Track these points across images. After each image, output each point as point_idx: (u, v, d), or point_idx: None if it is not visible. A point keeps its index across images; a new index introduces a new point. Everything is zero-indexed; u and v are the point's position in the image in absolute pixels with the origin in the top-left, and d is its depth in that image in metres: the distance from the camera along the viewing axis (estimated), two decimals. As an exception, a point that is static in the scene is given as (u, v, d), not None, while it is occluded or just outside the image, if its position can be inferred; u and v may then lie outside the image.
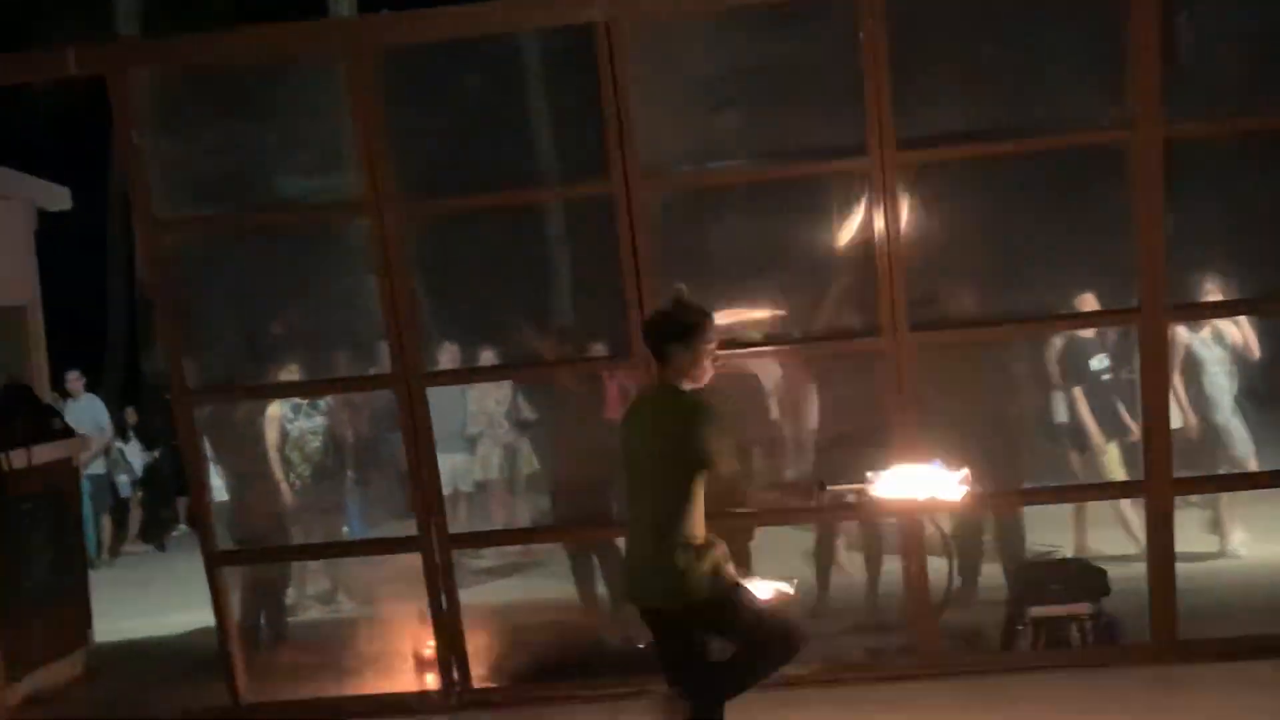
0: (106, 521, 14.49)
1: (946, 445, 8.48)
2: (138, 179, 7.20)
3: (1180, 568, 7.14)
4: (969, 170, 7.28)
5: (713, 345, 5.17)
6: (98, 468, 14.17)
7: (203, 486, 7.69)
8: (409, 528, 7.59)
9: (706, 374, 5.16)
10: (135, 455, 15.26)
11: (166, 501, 15.50)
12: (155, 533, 15.38)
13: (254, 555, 8.55)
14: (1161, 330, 6.92)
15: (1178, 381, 8.98)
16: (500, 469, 11.58)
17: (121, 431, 15.22)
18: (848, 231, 7.41)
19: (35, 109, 18.42)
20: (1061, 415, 9.43)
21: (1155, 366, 6.99)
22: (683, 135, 7.23)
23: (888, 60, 6.59)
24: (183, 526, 15.37)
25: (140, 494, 15.25)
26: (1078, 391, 9.19)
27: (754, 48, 7.12)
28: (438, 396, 7.74)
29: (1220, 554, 9.14)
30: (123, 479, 15.03)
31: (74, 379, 14.16)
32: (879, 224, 6.81)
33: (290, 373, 9.03)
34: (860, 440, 7.46)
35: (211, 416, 8.56)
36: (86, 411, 13.82)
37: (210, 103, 7.67)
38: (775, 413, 8.75)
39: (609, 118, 6.75)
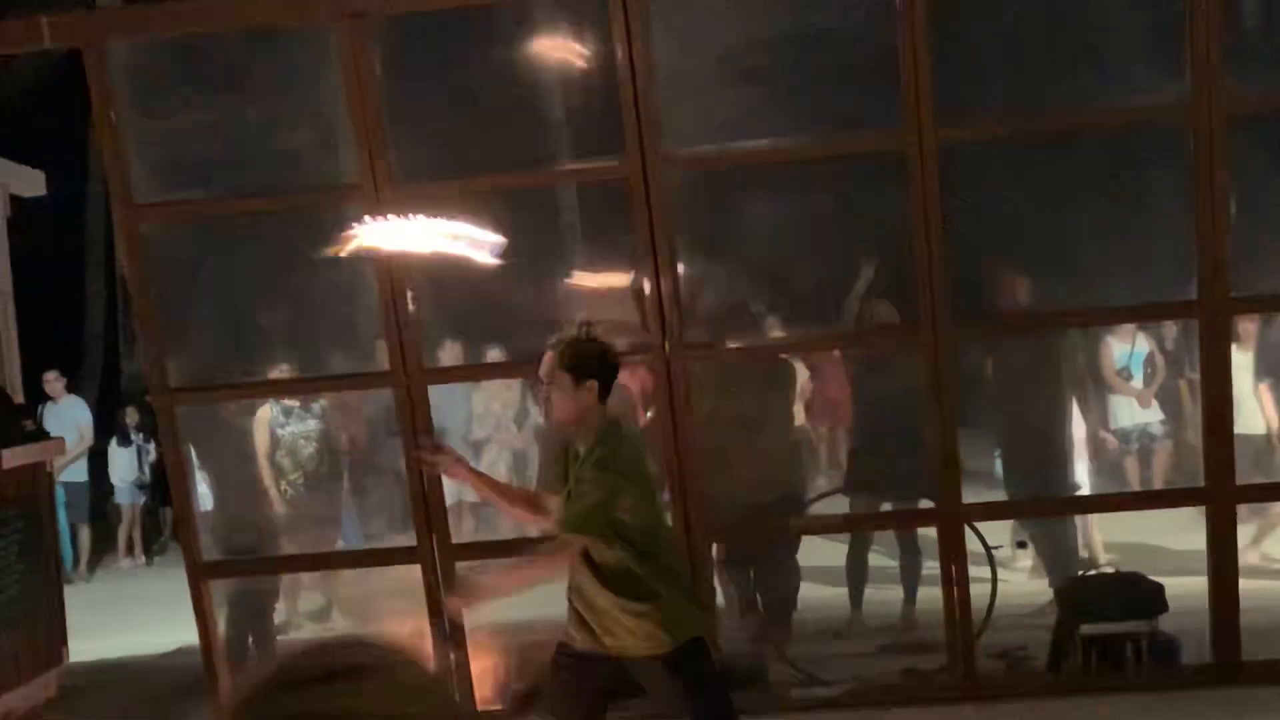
0: (86, 533, 14.47)
1: (987, 449, 8.66)
2: (116, 160, 7.17)
3: (1244, 584, 7.08)
4: (1014, 150, 7.22)
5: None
6: (76, 475, 14.16)
7: (187, 492, 7.66)
8: (408, 540, 7.56)
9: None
10: (130, 459, 15.12)
11: (151, 511, 15.48)
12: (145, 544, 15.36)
13: (242, 566, 8.51)
14: (1224, 324, 6.86)
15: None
16: (508, 476, 11.52)
17: (123, 435, 15.14)
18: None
19: (9, 87, 18.46)
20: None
21: (1216, 363, 6.92)
22: (704, 110, 7.17)
23: (927, 27, 6.55)
24: (166, 538, 15.36)
25: (144, 501, 15.18)
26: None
27: (781, 16, 7.07)
28: (440, 398, 7.70)
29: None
30: (122, 485, 14.98)
31: (53, 379, 14.13)
32: (916, 207, 6.77)
33: (281, 373, 9.01)
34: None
35: (196, 419, 8.53)
36: (68, 414, 13.79)
37: (194, 80, 7.65)
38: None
39: (625, 92, 6.71)
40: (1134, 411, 9.91)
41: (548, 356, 5.10)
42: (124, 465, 15.03)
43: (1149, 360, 9.79)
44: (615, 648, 5.14)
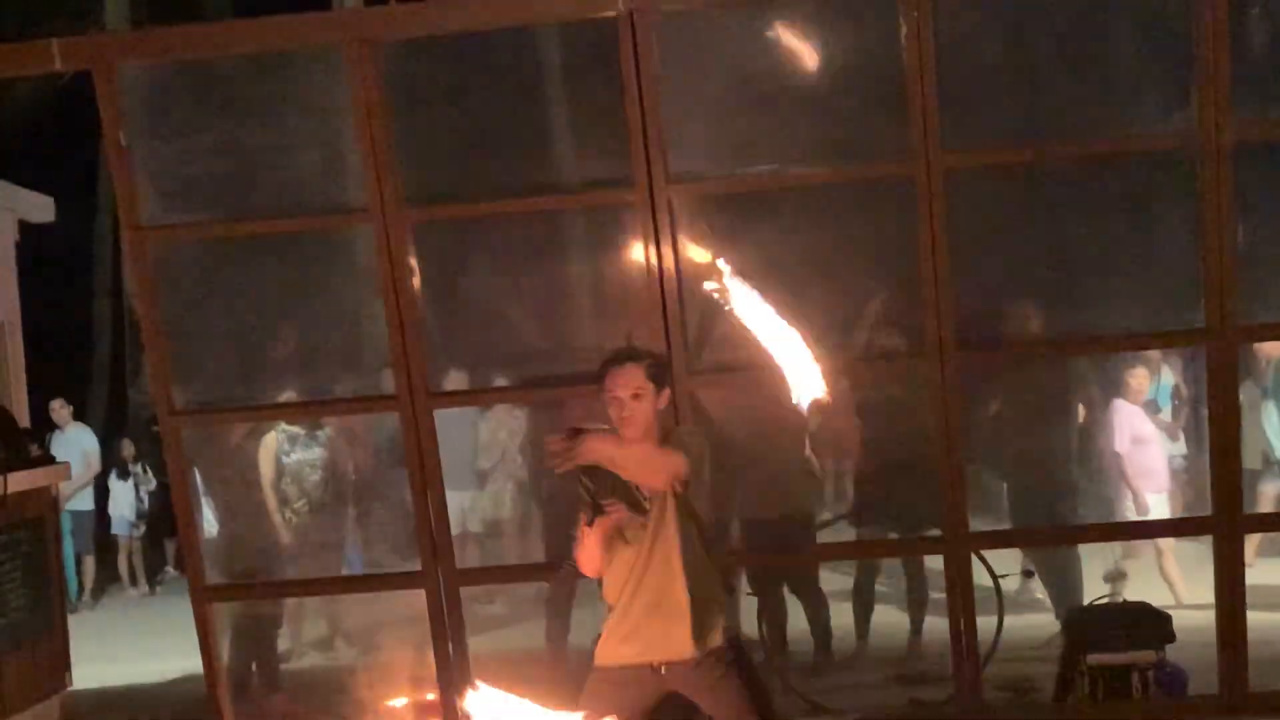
0: (90, 561, 14.50)
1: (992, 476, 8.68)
2: (125, 182, 7.23)
3: (1252, 616, 7.08)
4: (1021, 178, 7.25)
5: (607, 394, 5.24)
6: (81, 503, 14.21)
7: (192, 515, 7.67)
8: (413, 566, 7.57)
9: (615, 420, 5.24)
10: (128, 492, 15.16)
11: (155, 542, 15.50)
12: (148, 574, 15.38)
13: (245, 590, 8.52)
14: (1230, 352, 6.88)
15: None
16: (514, 506, 11.53)
17: (120, 468, 15.17)
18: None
19: (18, 112, 18.59)
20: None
21: (1223, 391, 6.94)
22: (711, 137, 7.22)
23: (933, 54, 6.60)
24: (170, 570, 15.39)
25: (143, 530, 15.19)
26: None
27: (787, 44, 7.11)
28: (445, 427, 7.70)
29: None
30: (119, 516, 15.01)
31: (58, 407, 14.21)
32: (923, 234, 6.81)
33: (287, 398, 9.02)
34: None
35: (201, 445, 8.56)
36: (74, 443, 13.86)
37: (203, 103, 7.70)
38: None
39: (633, 118, 6.77)
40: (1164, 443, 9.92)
41: (630, 370, 5.21)
42: (122, 498, 15.07)
43: (1175, 392, 9.81)
44: (688, 649, 5.21)
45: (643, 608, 5.26)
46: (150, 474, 15.17)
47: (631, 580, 5.26)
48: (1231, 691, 7.00)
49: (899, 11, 6.64)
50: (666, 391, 5.32)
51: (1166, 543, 9.38)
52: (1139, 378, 9.36)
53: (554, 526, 8.85)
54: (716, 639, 5.27)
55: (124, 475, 15.13)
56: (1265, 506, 9.61)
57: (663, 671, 5.26)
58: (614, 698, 5.24)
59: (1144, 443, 9.43)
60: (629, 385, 5.20)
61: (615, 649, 5.33)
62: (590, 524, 5.15)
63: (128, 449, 15.40)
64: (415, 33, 7.11)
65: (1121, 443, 9.31)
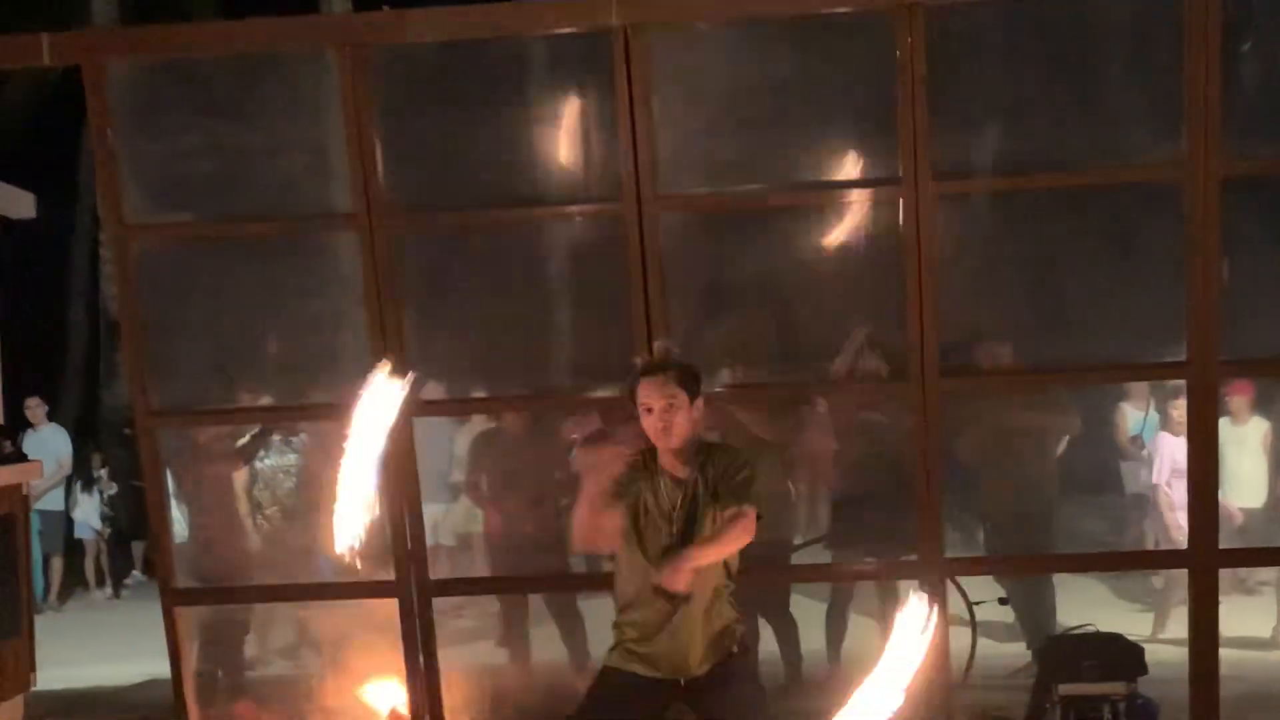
0: (58, 562, 14.40)
1: (972, 504, 8.66)
2: (110, 180, 7.20)
3: (1225, 654, 7.08)
4: (1009, 206, 7.27)
5: (643, 405, 5.21)
6: (51, 504, 14.11)
7: (164, 517, 7.63)
8: (386, 575, 7.53)
9: (650, 433, 5.22)
10: (93, 504, 15.06)
11: (122, 546, 15.40)
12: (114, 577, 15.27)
13: (215, 594, 8.45)
14: (1211, 386, 6.90)
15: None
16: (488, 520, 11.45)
17: (85, 479, 15.06)
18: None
19: (1, 108, 18.51)
20: None
21: (1203, 425, 6.96)
22: (701, 154, 7.22)
23: (925, 82, 6.61)
24: (137, 574, 15.29)
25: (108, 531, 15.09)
26: None
27: (782, 64, 7.12)
28: (422, 438, 7.67)
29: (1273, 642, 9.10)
30: (82, 522, 14.91)
31: (34, 406, 14.13)
32: (909, 259, 6.81)
33: (265, 401, 8.98)
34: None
35: (174, 449, 8.50)
36: (48, 442, 13.79)
37: (190, 102, 7.67)
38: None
39: (623, 132, 6.76)
40: (1142, 479, 9.89)
41: (662, 380, 5.17)
42: (87, 506, 14.98)
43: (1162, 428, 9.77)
44: (702, 668, 5.27)
45: (666, 634, 5.24)
46: (110, 480, 15.09)
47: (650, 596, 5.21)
48: (1202, 726, 7.01)
49: (893, 37, 6.67)
50: (700, 400, 5.24)
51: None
52: (1182, 409, 9.16)
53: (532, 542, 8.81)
54: (733, 641, 5.33)
55: (89, 486, 15.02)
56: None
57: (680, 683, 5.31)
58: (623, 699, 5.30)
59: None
60: (662, 395, 5.14)
61: (627, 660, 5.33)
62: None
63: (96, 462, 15.30)
64: (405, 40, 7.09)
65: (1161, 474, 9.24)
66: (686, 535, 5.18)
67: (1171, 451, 9.25)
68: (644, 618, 5.25)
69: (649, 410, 5.15)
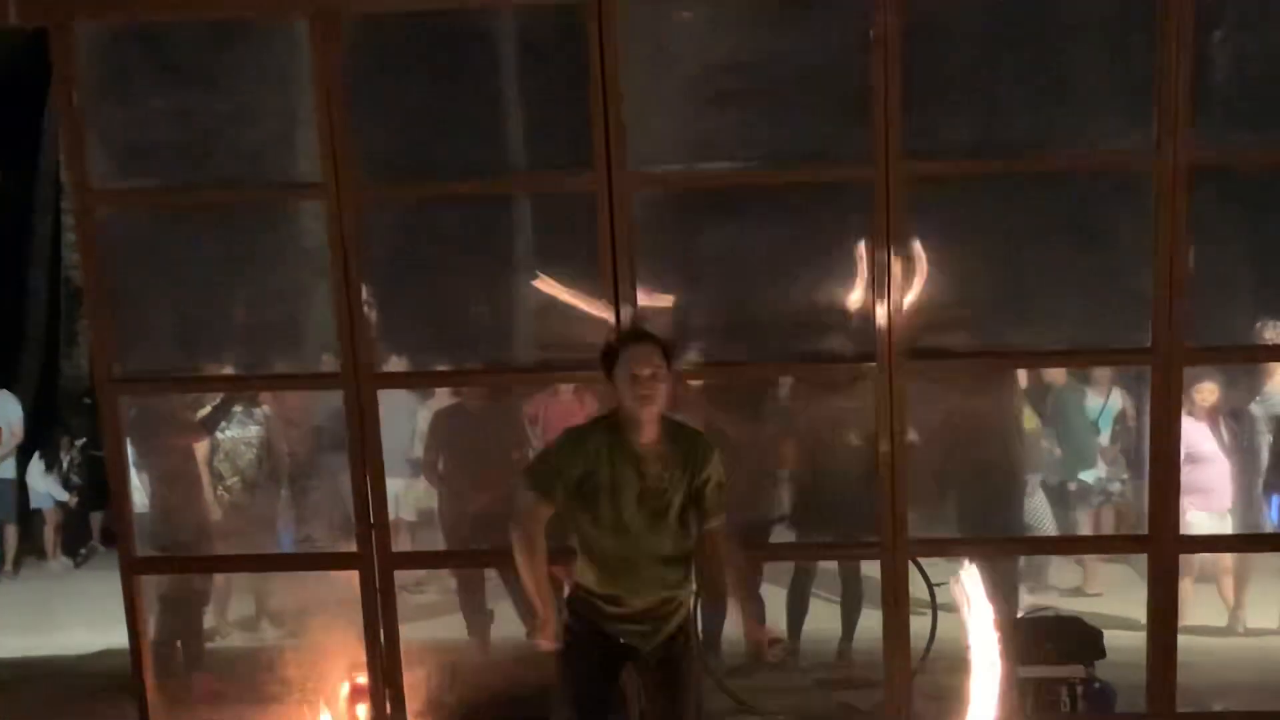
0: (12, 531, 14.27)
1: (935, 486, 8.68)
2: (75, 144, 7.13)
3: (1184, 640, 7.12)
4: (981, 189, 7.26)
5: (629, 372, 5.27)
6: (3, 472, 13.99)
7: (125, 485, 7.56)
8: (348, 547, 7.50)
9: (632, 399, 5.27)
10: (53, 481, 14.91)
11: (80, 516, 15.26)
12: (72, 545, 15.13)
13: (176, 563, 8.41)
14: (1175, 373, 6.91)
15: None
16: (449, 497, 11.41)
17: (44, 444, 14.90)
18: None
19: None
20: None
21: (1166, 411, 6.98)
22: (674, 131, 7.19)
23: (900, 61, 6.60)
24: (95, 544, 15.16)
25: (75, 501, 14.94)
26: None
27: (756, 41, 7.10)
28: (386, 414, 7.63)
29: (1230, 629, 9.14)
30: (45, 493, 14.77)
31: (-18, 374, 14.01)
32: (878, 239, 6.81)
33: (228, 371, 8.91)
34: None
35: (135, 419, 8.43)
36: (-1, 410, 13.68)
37: (158, 69, 7.59)
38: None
39: (595, 106, 6.73)
40: (1097, 466, 9.90)
41: (649, 347, 5.27)
42: (46, 478, 14.83)
43: (1120, 417, 9.78)
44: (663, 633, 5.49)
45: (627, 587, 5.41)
46: (71, 450, 14.93)
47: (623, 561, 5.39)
48: (1159, 711, 7.03)
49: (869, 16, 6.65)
50: (676, 370, 5.44)
51: (1225, 563, 9.37)
52: (1204, 392, 9.07)
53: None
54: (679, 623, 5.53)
55: (49, 456, 14.85)
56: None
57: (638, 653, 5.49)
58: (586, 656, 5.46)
59: (1199, 461, 9.05)
60: (649, 363, 5.22)
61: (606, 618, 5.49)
62: None
63: (57, 432, 15.13)
64: (380, 9, 7.04)
65: None
66: (657, 505, 5.30)
67: (1187, 435, 9.20)
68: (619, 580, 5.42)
69: (635, 377, 5.19)
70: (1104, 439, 10.06)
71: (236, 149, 7.51)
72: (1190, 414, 9.17)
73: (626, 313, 6.83)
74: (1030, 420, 9.15)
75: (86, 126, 7.14)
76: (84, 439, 14.56)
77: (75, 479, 14.85)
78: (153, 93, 7.55)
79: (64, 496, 14.73)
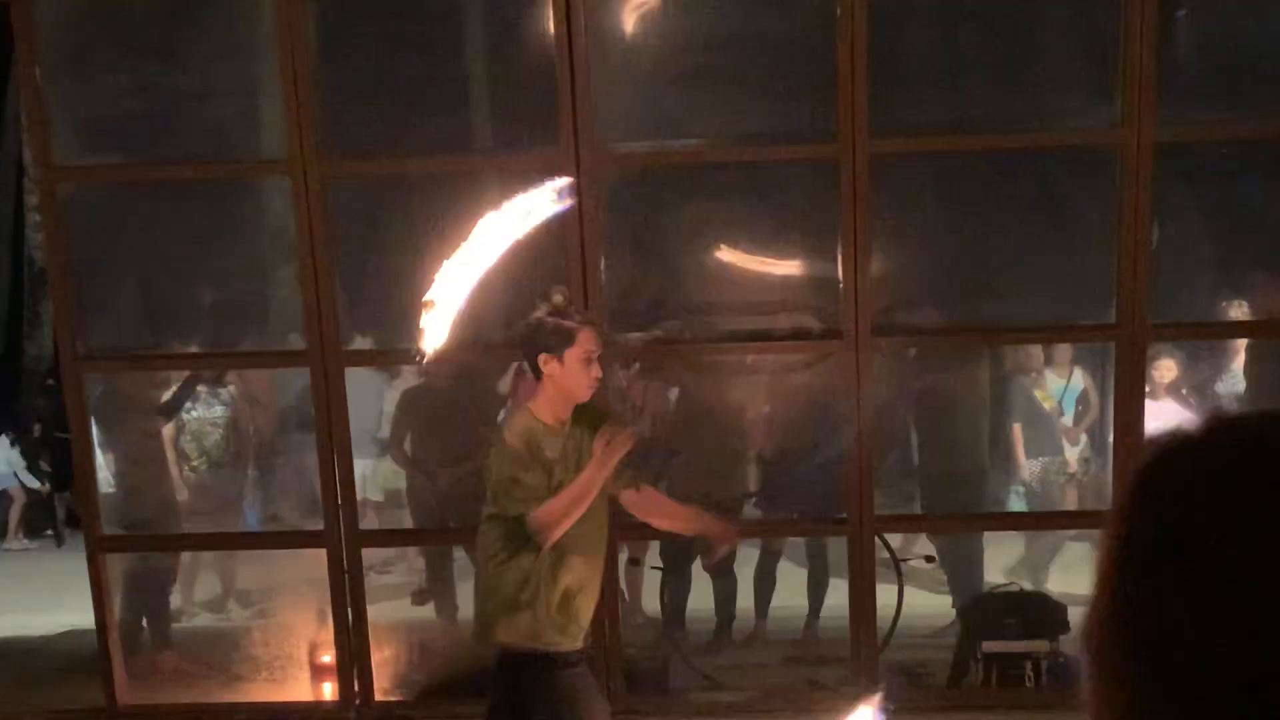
0: (-25, 511, 14.21)
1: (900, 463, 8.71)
2: (38, 120, 7.07)
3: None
4: (946, 167, 7.28)
5: (586, 352, 5.07)
6: (-37, 452, 13.93)
7: (90, 464, 7.52)
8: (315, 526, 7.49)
9: (582, 381, 5.08)
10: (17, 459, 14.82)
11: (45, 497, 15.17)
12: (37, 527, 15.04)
13: (142, 542, 8.36)
14: (1140, 348, 6.95)
15: None
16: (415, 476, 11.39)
17: (6, 425, 14.80)
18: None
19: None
20: None
21: (1131, 387, 7.02)
22: (640, 108, 7.18)
23: (865, 39, 6.59)
24: (61, 525, 15.07)
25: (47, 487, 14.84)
26: None
27: (722, 19, 7.09)
28: (352, 394, 7.59)
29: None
30: (8, 474, 14.68)
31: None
32: (844, 218, 6.80)
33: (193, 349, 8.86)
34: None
35: (100, 399, 8.38)
36: (-44, 390, 13.58)
37: (122, 43, 7.54)
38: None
39: (561, 83, 6.71)
40: (1059, 444, 9.89)
41: (598, 331, 5.15)
42: (10, 458, 14.74)
43: (1082, 398, 9.77)
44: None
45: (584, 597, 5.26)
46: (34, 430, 14.84)
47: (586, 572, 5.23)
48: (1122, 684, 7.05)
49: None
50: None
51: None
52: (1161, 369, 8.98)
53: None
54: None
55: (12, 436, 14.76)
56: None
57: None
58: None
59: None
60: (599, 345, 5.09)
61: (560, 637, 5.21)
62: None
63: (20, 412, 15.02)
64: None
65: None
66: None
67: (1155, 415, 9.24)
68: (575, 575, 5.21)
69: (588, 359, 5.02)
70: (1067, 420, 10.06)
71: (201, 125, 7.47)
72: (1150, 394, 9.18)
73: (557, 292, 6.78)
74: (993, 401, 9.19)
75: (49, 103, 7.09)
76: (46, 420, 14.48)
77: (43, 465, 14.77)
78: (115, 68, 7.50)
79: (29, 479, 14.65)
